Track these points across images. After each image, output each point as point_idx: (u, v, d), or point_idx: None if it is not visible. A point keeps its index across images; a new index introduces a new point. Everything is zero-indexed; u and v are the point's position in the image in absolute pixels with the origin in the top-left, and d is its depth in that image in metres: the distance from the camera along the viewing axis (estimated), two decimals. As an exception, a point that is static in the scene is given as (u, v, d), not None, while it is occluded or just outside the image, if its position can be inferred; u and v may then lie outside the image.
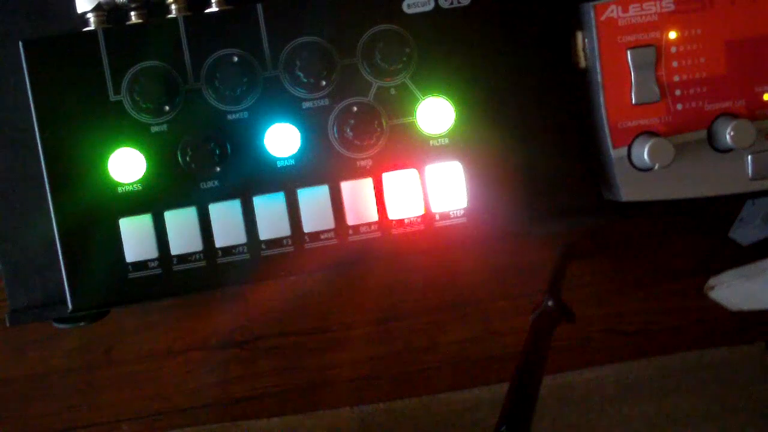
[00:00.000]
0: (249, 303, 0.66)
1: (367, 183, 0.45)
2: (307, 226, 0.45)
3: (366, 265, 0.47)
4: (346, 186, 0.45)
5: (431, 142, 0.45)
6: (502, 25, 0.46)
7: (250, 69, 0.44)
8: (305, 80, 0.44)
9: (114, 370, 0.65)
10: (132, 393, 0.65)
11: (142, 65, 0.43)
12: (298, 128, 0.44)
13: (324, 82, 0.44)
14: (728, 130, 0.46)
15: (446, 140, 0.45)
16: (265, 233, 0.45)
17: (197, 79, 0.44)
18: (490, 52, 0.45)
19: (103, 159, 0.43)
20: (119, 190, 0.44)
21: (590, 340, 0.73)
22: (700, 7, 0.46)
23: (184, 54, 0.44)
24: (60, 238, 0.43)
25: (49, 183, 0.43)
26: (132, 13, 0.45)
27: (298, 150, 0.44)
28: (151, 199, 0.44)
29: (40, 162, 0.43)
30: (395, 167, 0.45)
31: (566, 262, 0.68)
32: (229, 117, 0.44)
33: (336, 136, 0.44)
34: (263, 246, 0.45)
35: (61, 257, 0.43)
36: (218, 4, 0.44)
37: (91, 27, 0.44)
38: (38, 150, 0.43)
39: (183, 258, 0.44)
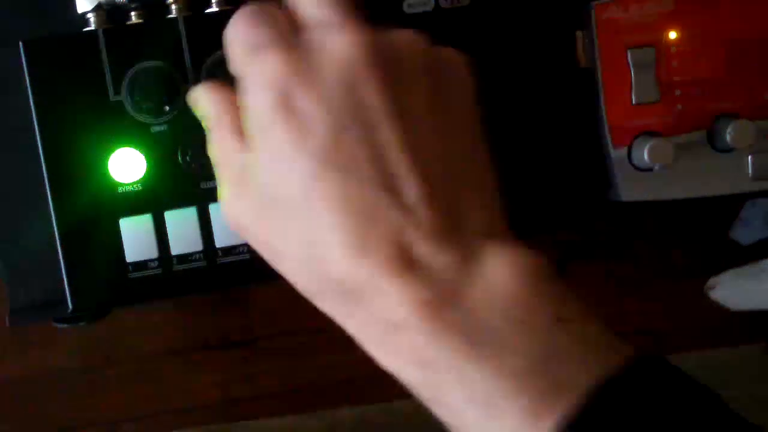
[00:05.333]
0: (249, 303, 0.66)
1: (368, 183, 0.45)
2: (308, 226, 0.45)
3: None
4: (346, 186, 0.45)
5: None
6: (502, 25, 0.46)
7: (250, 69, 0.44)
8: (305, 80, 0.44)
9: (114, 370, 0.65)
10: (132, 393, 0.65)
11: (143, 65, 0.43)
12: (299, 128, 0.44)
13: (324, 82, 0.44)
14: (728, 130, 0.46)
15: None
16: (265, 233, 0.44)
17: (198, 79, 0.44)
18: (489, 52, 0.45)
19: (103, 159, 0.43)
20: (119, 190, 0.44)
21: (590, 340, 0.72)
22: (700, 7, 0.46)
23: (184, 54, 0.44)
24: (60, 238, 0.43)
25: (49, 183, 0.43)
26: (132, 13, 0.45)
27: (299, 150, 0.44)
28: (152, 199, 0.44)
29: (40, 162, 0.43)
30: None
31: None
32: (230, 117, 0.44)
33: (336, 136, 0.44)
34: (263, 246, 0.45)
35: (61, 257, 0.43)
36: (218, 4, 0.44)
37: (92, 27, 0.44)
38: (38, 150, 0.43)
39: (183, 258, 0.44)
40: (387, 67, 0.33)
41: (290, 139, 0.33)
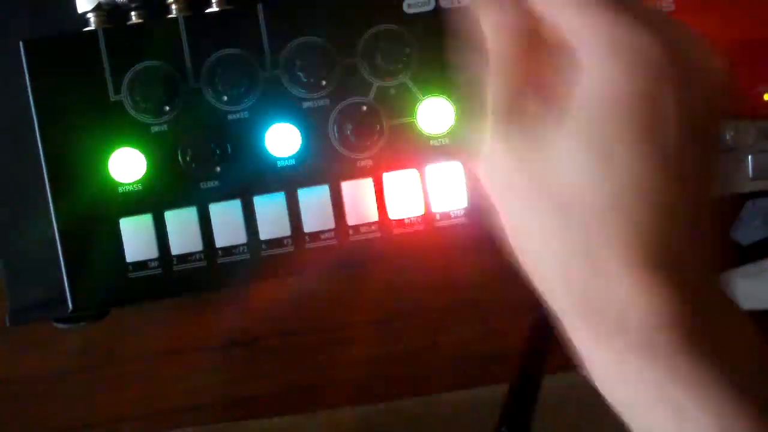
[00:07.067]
0: (249, 303, 0.66)
1: (368, 183, 0.45)
2: (308, 226, 0.45)
3: (366, 265, 0.47)
4: (346, 186, 0.45)
5: (431, 142, 0.45)
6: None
7: (250, 69, 0.44)
8: (305, 80, 0.44)
9: (114, 370, 0.65)
10: (132, 393, 0.65)
11: (143, 65, 0.43)
12: (299, 128, 0.44)
13: (324, 82, 0.44)
14: (728, 130, 0.46)
15: (447, 140, 0.45)
16: (265, 233, 0.45)
17: (197, 79, 0.44)
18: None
19: (103, 159, 0.43)
20: (119, 190, 0.44)
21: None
22: (700, 7, 0.46)
23: (184, 54, 0.44)
24: (60, 238, 0.43)
25: (49, 183, 0.43)
26: (132, 13, 0.45)
27: (299, 150, 0.44)
28: (152, 199, 0.44)
29: (40, 162, 0.43)
30: (396, 167, 0.45)
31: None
32: (230, 117, 0.44)
33: (336, 136, 0.44)
34: (263, 246, 0.45)
35: (61, 257, 0.43)
36: (218, 4, 0.45)
37: (92, 27, 0.44)
38: (38, 150, 0.43)
39: (183, 258, 0.44)
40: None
41: (638, 137, 0.27)
